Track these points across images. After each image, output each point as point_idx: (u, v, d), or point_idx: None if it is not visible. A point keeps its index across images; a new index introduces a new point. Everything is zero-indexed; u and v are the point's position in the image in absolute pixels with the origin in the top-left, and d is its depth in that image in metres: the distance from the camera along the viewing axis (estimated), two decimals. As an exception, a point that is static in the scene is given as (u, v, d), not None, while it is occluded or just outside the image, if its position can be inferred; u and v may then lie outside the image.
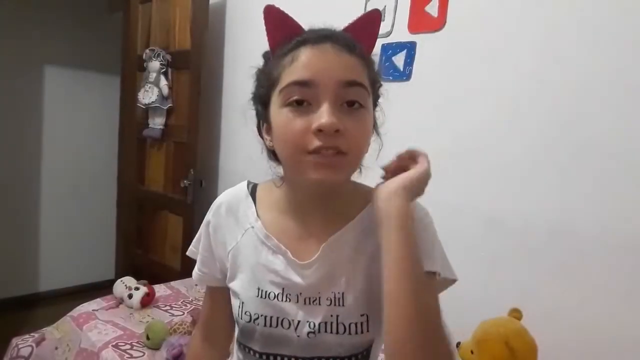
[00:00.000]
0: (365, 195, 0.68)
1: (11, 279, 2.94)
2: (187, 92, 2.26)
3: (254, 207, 0.72)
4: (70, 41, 3.06)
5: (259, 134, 0.70)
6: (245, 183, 0.76)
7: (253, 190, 0.74)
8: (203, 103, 2.27)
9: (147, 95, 2.32)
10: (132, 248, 2.65)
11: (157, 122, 2.37)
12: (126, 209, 2.70)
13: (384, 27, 1.66)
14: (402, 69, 1.62)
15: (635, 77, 1.16)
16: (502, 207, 1.39)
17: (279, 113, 0.60)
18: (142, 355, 1.33)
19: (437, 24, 1.53)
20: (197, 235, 0.78)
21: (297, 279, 0.66)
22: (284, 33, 0.63)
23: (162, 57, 2.29)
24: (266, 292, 0.67)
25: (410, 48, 1.60)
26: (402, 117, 1.60)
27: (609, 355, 1.19)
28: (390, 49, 1.64)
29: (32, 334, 1.53)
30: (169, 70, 2.33)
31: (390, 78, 1.64)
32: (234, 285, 0.71)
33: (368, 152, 0.65)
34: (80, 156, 3.22)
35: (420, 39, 1.58)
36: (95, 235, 3.28)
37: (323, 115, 0.56)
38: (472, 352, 1.19)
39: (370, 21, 0.66)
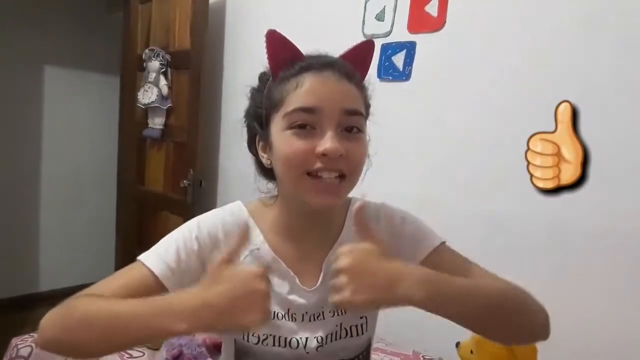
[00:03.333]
0: (344, 204, 0.74)
1: (11, 279, 2.94)
2: (187, 92, 2.26)
3: (257, 229, 0.71)
4: (70, 41, 3.06)
5: (250, 150, 0.73)
6: (240, 204, 0.74)
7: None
8: (203, 103, 2.26)
9: (147, 95, 2.31)
10: (132, 248, 2.64)
11: (156, 122, 2.37)
12: (126, 209, 2.70)
13: (383, 27, 1.66)
14: (401, 69, 1.62)
15: (635, 77, 1.16)
16: (502, 207, 1.39)
17: (282, 135, 0.62)
18: (142, 355, 1.33)
19: (437, 24, 1.53)
20: (166, 244, 0.69)
21: (301, 300, 0.68)
22: (284, 57, 0.65)
23: (162, 57, 2.29)
24: (274, 312, 0.67)
25: (409, 48, 1.60)
26: (401, 116, 1.60)
27: (609, 355, 1.19)
28: (390, 49, 1.64)
29: (31, 334, 1.53)
30: (169, 70, 2.32)
31: (390, 78, 1.64)
32: None
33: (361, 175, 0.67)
34: (80, 156, 3.22)
35: (420, 39, 1.57)
36: (95, 235, 3.28)
37: (328, 141, 0.59)
38: (471, 351, 1.19)
39: (365, 50, 0.70)
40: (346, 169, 0.61)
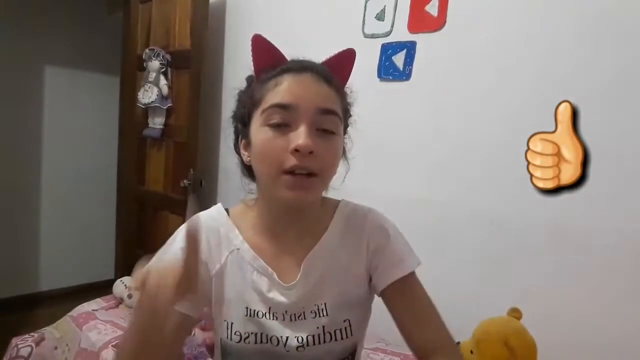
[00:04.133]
0: (332, 206, 0.76)
1: (11, 279, 2.94)
2: (187, 92, 2.26)
3: (236, 229, 0.73)
4: (70, 41, 3.05)
5: (236, 151, 0.75)
6: (220, 206, 0.78)
7: (227, 214, 0.76)
8: (203, 103, 2.26)
9: (147, 95, 2.31)
10: (132, 248, 2.64)
11: (157, 122, 2.37)
12: (126, 209, 2.70)
13: (383, 27, 1.66)
14: (401, 69, 1.62)
15: (635, 77, 1.16)
16: (502, 207, 1.39)
17: (259, 131, 0.65)
18: (142, 355, 1.33)
19: (437, 24, 1.53)
20: (155, 258, 0.69)
21: (281, 298, 0.69)
22: (268, 61, 0.69)
23: (162, 56, 2.29)
24: (254, 310, 0.69)
25: (410, 48, 1.60)
26: (401, 116, 1.60)
27: (609, 355, 1.19)
28: (390, 49, 1.64)
29: (31, 334, 1.53)
30: (169, 69, 2.32)
31: (390, 78, 1.64)
32: (220, 307, 0.71)
33: (336, 174, 0.69)
34: (80, 156, 3.22)
35: (420, 39, 1.57)
36: (95, 235, 3.28)
37: (300, 137, 0.62)
38: (471, 351, 1.19)
39: (346, 58, 0.73)
40: (316, 168, 0.63)
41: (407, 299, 0.71)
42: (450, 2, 1.49)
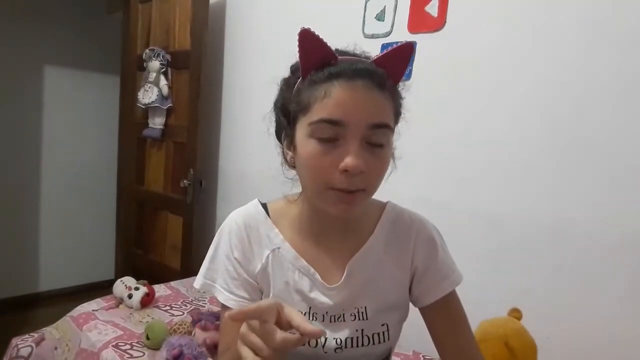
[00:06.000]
0: (378, 208, 0.75)
1: (11, 279, 2.94)
2: (187, 92, 2.26)
3: (276, 228, 0.72)
4: (70, 41, 3.05)
5: (278, 139, 0.72)
6: (257, 203, 0.76)
7: (266, 210, 0.75)
8: (203, 103, 2.26)
9: (147, 95, 2.31)
10: (132, 248, 2.65)
11: (157, 122, 2.37)
12: (126, 209, 2.70)
13: (383, 27, 1.66)
14: (402, 69, 1.61)
15: (635, 77, 1.16)
16: (502, 207, 1.39)
17: (306, 142, 0.62)
18: (142, 355, 1.33)
19: (437, 24, 1.53)
20: (208, 263, 0.74)
21: (323, 299, 0.69)
22: (316, 57, 0.63)
23: (162, 56, 2.29)
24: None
25: (410, 48, 1.59)
26: (401, 116, 1.60)
27: (608, 355, 1.19)
28: (390, 49, 1.64)
29: (31, 334, 1.53)
30: (169, 70, 2.32)
31: (390, 78, 1.64)
32: None
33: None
34: (80, 156, 3.22)
35: (420, 39, 1.57)
36: (95, 235, 3.28)
37: (350, 156, 0.59)
38: (472, 352, 1.19)
39: (403, 53, 0.65)
40: (365, 184, 0.61)
41: (449, 320, 0.72)
42: (450, 2, 1.49)
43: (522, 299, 1.27)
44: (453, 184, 1.49)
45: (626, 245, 1.16)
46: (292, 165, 0.68)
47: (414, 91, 1.72)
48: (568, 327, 1.25)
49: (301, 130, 0.63)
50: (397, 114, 0.67)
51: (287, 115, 0.67)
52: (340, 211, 0.62)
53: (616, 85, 1.18)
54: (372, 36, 1.69)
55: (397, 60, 0.65)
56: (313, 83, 0.62)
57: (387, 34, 1.65)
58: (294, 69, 0.69)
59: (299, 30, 0.61)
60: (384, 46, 1.65)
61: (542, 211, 1.31)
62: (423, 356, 1.43)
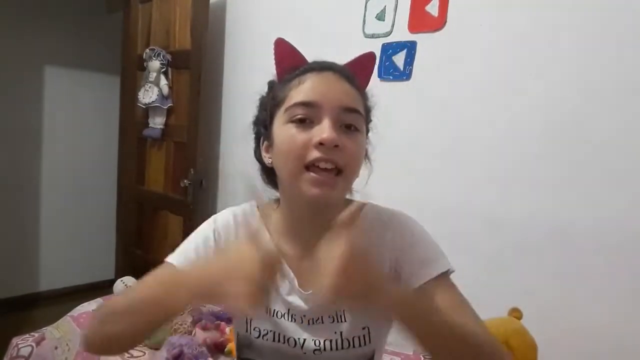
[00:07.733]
0: (357, 209, 0.71)
1: (11, 279, 2.94)
2: (187, 92, 2.26)
3: (266, 230, 0.73)
4: (70, 41, 3.05)
5: (256, 157, 0.75)
6: (254, 204, 0.77)
7: (260, 212, 0.76)
8: (203, 103, 2.26)
9: (147, 95, 2.31)
10: (132, 248, 2.64)
11: (157, 122, 2.37)
12: (126, 209, 2.70)
13: (384, 27, 1.66)
14: (402, 69, 1.62)
15: (635, 77, 1.16)
16: (502, 207, 1.39)
17: (282, 129, 0.65)
18: (143, 355, 1.33)
19: (437, 24, 1.53)
20: (188, 241, 0.75)
21: (300, 302, 0.69)
22: (291, 63, 0.69)
23: (162, 56, 2.29)
24: (274, 310, 0.70)
25: (410, 47, 1.60)
26: (402, 116, 1.60)
27: (608, 355, 1.19)
28: (391, 49, 1.64)
29: (32, 334, 1.53)
30: (169, 69, 2.32)
31: (391, 78, 1.64)
32: None
33: (359, 176, 0.68)
34: (80, 156, 3.22)
35: (420, 39, 1.57)
36: (95, 235, 3.28)
37: (324, 130, 0.61)
38: (472, 352, 1.18)
39: (367, 61, 0.73)
40: (341, 162, 0.62)
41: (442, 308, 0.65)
42: (451, 2, 1.49)
43: (522, 299, 1.27)
44: (453, 183, 1.49)
45: (627, 246, 1.16)
46: (271, 166, 0.70)
47: (414, 91, 1.73)
48: (568, 327, 1.25)
49: (278, 122, 0.66)
50: (367, 112, 0.70)
51: (264, 122, 0.71)
52: (319, 194, 0.61)
53: (618, 86, 1.18)
54: (373, 36, 1.69)
55: (363, 66, 0.72)
56: (288, 79, 0.68)
57: (388, 34, 1.65)
58: (270, 84, 0.73)
59: (274, 40, 0.70)
60: (384, 46, 1.65)
61: (543, 212, 1.31)
62: (423, 356, 1.43)
